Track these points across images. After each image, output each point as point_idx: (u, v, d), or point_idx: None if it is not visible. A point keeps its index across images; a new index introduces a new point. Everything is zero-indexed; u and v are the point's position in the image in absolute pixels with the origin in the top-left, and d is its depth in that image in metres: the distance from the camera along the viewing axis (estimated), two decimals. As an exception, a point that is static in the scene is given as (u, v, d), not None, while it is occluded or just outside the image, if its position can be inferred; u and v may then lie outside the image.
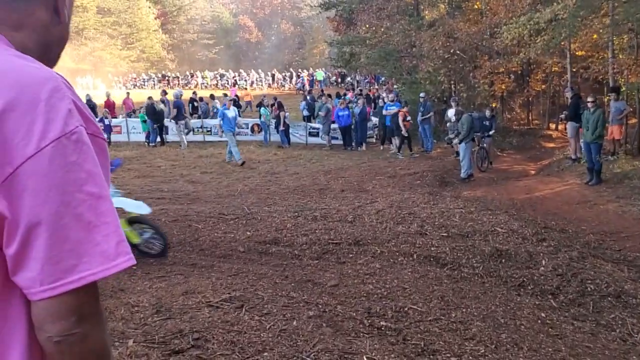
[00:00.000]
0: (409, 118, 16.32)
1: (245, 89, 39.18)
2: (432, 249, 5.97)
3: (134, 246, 5.74)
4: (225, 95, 20.71)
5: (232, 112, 15.14)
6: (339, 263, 5.76)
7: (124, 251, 0.89)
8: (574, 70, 18.88)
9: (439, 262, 5.64)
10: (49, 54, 1.02)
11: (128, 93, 25.76)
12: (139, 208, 5.90)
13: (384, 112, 17.05)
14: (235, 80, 43.11)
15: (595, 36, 15.49)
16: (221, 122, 14.99)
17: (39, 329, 0.85)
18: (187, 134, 18.28)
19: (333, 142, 18.85)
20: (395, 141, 16.94)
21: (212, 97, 22.68)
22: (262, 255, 6.11)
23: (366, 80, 38.20)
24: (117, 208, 5.64)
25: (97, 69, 49.24)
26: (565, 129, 15.05)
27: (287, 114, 19.12)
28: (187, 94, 24.60)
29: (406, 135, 16.02)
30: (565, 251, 5.86)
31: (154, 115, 17.96)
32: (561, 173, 12.82)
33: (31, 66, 0.88)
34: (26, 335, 0.87)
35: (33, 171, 0.81)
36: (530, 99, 24.05)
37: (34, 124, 0.82)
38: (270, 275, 5.20)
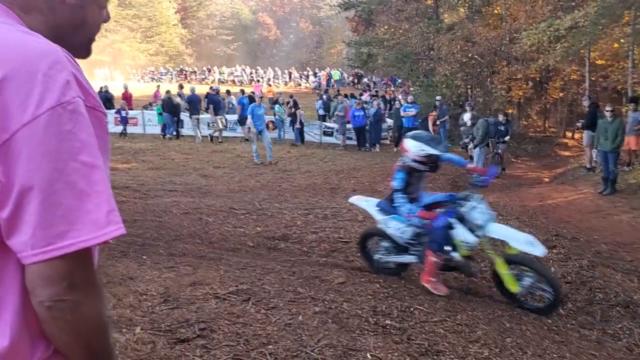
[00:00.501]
0: (438, 122, 16.40)
1: (270, 85, 39.32)
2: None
3: (511, 295, 4.65)
4: (243, 91, 20.81)
5: (261, 109, 14.86)
6: (347, 261, 5.78)
7: (114, 220, 0.91)
8: (593, 79, 18.73)
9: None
10: (63, 37, 1.03)
11: (158, 86, 26.41)
12: (530, 246, 4.38)
13: (402, 113, 17.05)
14: (252, 76, 43.29)
15: (615, 45, 15.34)
16: (251, 119, 14.61)
17: (31, 293, 0.88)
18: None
19: (347, 142, 18.86)
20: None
21: (228, 92, 22.76)
22: (271, 250, 6.14)
23: (383, 82, 38.12)
24: (496, 239, 4.62)
25: (116, 61, 49.70)
26: (582, 137, 14.92)
27: (302, 112, 19.15)
28: (204, 89, 24.77)
29: None
30: (575, 259, 5.82)
31: (171, 108, 18.13)
32: (575, 182, 12.71)
33: (35, 40, 0.91)
34: (20, 298, 0.89)
35: (28, 138, 0.84)
36: (547, 106, 23.90)
37: (31, 93, 0.85)
38: (278, 271, 5.23)
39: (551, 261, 5.70)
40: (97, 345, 0.94)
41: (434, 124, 16.28)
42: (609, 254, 6.76)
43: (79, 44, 1.08)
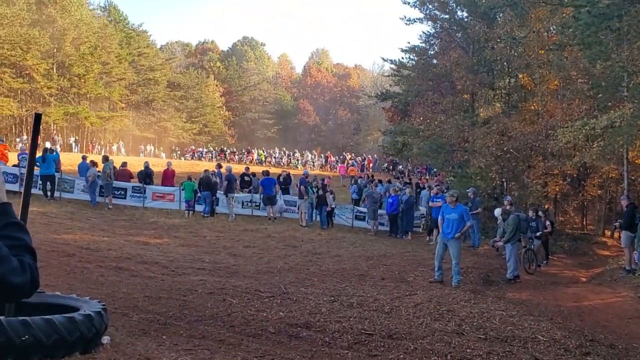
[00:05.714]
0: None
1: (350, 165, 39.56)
2: (468, 350, 5.72)
3: None
4: (265, 172, 21.13)
5: (452, 212, 10.31)
6: (369, 356, 5.60)
7: None
8: (632, 177, 18.40)
9: (473, 366, 5.39)
10: None
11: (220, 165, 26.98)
12: None
13: (430, 204, 17.09)
14: (290, 159, 44.37)
15: (655, 146, 15.19)
16: (441, 221, 10.63)
17: None
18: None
19: (379, 227, 18.81)
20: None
21: (264, 173, 23.10)
22: (292, 338, 6.01)
23: (417, 170, 38.39)
24: None
25: (160, 139, 51.78)
26: (620, 237, 14.48)
27: (332, 196, 19.32)
28: (240, 169, 25.31)
29: None
30: (611, 369, 5.51)
31: (208, 186, 18.54)
32: (614, 283, 12.20)
33: None
34: None
35: None
36: (585, 203, 23.44)
37: None
38: (296, 361, 5.10)
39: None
40: None
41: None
42: (649, 365, 6.37)
43: None
